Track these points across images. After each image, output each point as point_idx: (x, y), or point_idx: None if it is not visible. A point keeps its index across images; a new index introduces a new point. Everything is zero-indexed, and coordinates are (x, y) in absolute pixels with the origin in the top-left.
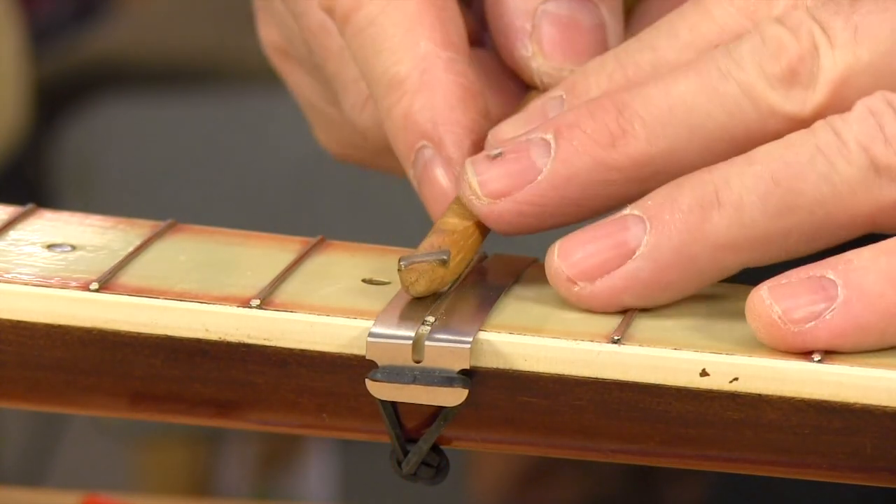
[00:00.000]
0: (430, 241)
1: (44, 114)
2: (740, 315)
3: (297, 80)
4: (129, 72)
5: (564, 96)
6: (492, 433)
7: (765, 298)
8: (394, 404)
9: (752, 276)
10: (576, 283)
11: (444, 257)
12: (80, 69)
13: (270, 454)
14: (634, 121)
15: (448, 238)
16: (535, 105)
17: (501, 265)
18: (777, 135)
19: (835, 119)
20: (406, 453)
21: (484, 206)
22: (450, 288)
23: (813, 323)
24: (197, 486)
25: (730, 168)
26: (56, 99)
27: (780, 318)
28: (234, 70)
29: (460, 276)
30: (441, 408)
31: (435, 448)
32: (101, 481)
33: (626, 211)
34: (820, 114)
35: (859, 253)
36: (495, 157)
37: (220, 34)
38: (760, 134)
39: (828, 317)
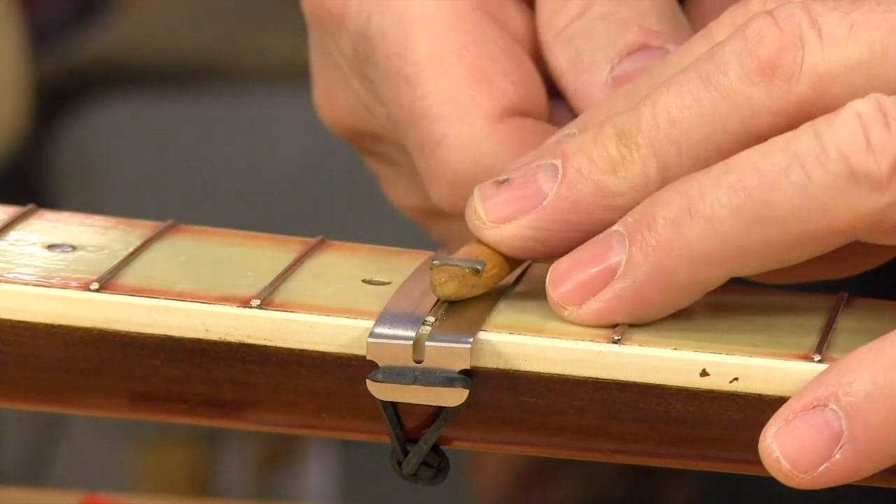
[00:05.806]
0: (469, 249)
1: (44, 114)
2: (740, 315)
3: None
4: (129, 72)
5: (576, 132)
6: (492, 433)
7: (773, 450)
8: (394, 404)
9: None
10: (565, 308)
11: (479, 267)
12: (80, 69)
13: (270, 454)
14: (630, 143)
15: (486, 250)
16: (549, 141)
17: None
18: (763, 135)
19: (820, 122)
20: (406, 453)
21: (488, 230)
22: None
23: (824, 466)
24: (197, 486)
25: (705, 178)
26: (56, 99)
27: (789, 471)
28: (234, 70)
29: (490, 289)
30: (441, 408)
31: (435, 448)
32: (101, 481)
33: (613, 228)
34: (805, 109)
35: (859, 369)
36: (502, 182)
37: (221, 34)
38: (746, 137)
39: (837, 457)
